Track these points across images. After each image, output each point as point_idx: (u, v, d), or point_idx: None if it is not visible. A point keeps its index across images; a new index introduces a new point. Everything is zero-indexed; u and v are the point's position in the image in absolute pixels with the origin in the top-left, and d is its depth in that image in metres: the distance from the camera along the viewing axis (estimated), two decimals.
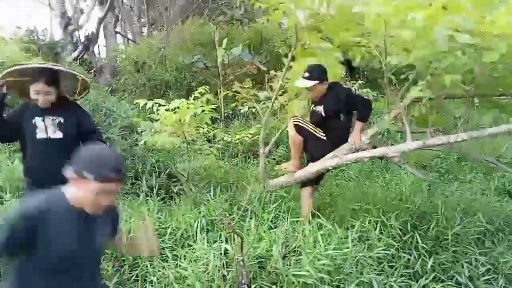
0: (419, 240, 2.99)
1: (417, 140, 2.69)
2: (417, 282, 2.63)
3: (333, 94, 3.15)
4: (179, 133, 3.19)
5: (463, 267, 2.92)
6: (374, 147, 3.11)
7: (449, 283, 2.73)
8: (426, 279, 2.68)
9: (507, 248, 3.22)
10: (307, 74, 3.10)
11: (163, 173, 3.91)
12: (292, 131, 3.19)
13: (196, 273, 2.27)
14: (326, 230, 2.60)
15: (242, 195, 3.31)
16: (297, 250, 2.38)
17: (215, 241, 2.61)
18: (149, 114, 3.37)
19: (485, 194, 4.45)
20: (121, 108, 5.19)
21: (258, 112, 4.29)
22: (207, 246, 2.46)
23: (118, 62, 8.82)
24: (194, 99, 3.13)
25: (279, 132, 3.48)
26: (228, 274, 2.23)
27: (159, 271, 2.45)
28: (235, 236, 2.20)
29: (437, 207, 3.47)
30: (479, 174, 5.43)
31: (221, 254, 2.41)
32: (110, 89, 7.24)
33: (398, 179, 4.46)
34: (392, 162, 3.07)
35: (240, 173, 3.88)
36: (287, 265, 2.24)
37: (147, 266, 2.51)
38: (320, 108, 3.18)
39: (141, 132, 4.00)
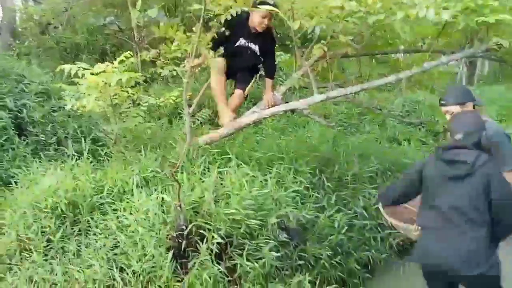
0: (325, 181, 3.58)
1: (322, 93, 3.18)
2: (323, 213, 3.21)
3: (268, 37, 3.46)
4: (105, 97, 3.29)
5: (359, 200, 3.60)
6: (286, 102, 3.57)
7: (348, 212, 3.37)
8: (330, 211, 3.28)
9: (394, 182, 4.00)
10: None
11: (87, 138, 3.96)
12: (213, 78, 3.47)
13: (137, 221, 2.55)
14: (249, 176, 3.00)
15: (170, 153, 3.55)
16: (226, 194, 2.76)
17: (151, 194, 2.87)
18: (68, 78, 3.38)
19: (378, 142, 5.28)
20: (32, 73, 4.96)
21: (178, 75, 4.44)
22: (146, 197, 2.72)
23: (17, 22, 8.09)
24: (119, 62, 3.24)
25: (200, 93, 3.75)
26: (168, 218, 2.54)
27: (100, 223, 2.67)
28: (175, 183, 2.50)
29: (339, 154, 4.10)
30: (375, 126, 6.32)
31: (159, 203, 2.69)
32: (16, 52, 6.71)
33: (309, 134, 5.05)
34: (303, 116, 3.56)
35: (166, 133, 4.10)
36: (218, 206, 2.62)
37: (88, 220, 2.71)
38: (254, 47, 3.47)
39: (60, 98, 3.97)
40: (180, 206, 2.51)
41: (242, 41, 3.41)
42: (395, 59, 3.42)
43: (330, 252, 2.98)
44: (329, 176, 3.71)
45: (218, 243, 2.49)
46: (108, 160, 3.62)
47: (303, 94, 5.54)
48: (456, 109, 2.33)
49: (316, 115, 3.40)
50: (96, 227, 2.67)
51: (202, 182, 2.88)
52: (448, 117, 2.38)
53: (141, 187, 3.03)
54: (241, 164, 3.23)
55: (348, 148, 4.40)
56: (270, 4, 2.95)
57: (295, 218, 2.85)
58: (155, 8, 6.16)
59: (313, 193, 3.41)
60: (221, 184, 2.86)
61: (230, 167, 3.22)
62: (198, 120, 4.79)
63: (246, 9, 3.21)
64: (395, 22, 2.67)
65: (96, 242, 2.59)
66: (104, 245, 2.54)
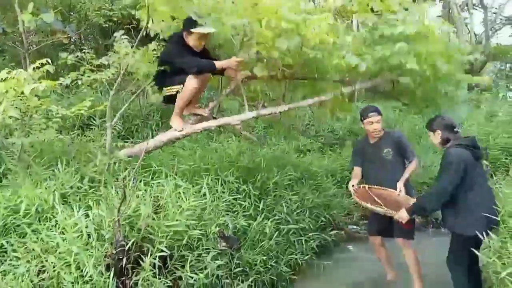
0: (251, 190, 3.72)
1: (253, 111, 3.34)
2: (255, 221, 3.33)
3: (206, 54, 3.39)
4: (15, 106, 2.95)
5: (282, 206, 3.81)
6: (214, 118, 3.63)
7: (276, 218, 3.56)
8: (259, 218, 3.43)
9: (308, 189, 4.33)
10: None
11: None
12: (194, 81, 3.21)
13: (68, 240, 2.33)
14: (182, 188, 2.97)
15: (89, 167, 3.31)
16: (164, 206, 2.69)
17: (77, 211, 2.64)
18: None
19: (287, 153, 5.63)
20: None
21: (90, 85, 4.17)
22: (73, 214, 2.50)
23: None
24: (33, 70, 2.94)
25: (126, 105, 3.59)
26: (106, 235, 2.38)
27: (19, 247, 2.37)
28: (101, 198, 2.36)
29: (259, 164, 4.29)
30: (281, 138, 6.73)
31: (91, 220, 2.50)
32: None
33: (225, 146, 5.15)
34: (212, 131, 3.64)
35: (81, 146, 3.80)
36: (158, 219, 2.55)
37: (2, 245, 2.38)
38: None
39: None
40: (118, 221, 2.38)
41: None
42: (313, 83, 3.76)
43: (263, 258, 3.11)
44: (253, 186, 3.85)
45: (160, 256, 2.42)
46: (7, 177, 3.22)
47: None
48: (378, 118, 3.25)
49: (247, 132, 3.54)
50: (14, 251, 2.36)
51: (135, 195, 2.76)
52: (374, 125, 3.26)
53: (62, 204, 2.77)
54: (171, 176, 3.18)
55: (265, 159, 4.61)
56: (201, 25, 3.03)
57: (232, 227, 2.91)
58: (50, 13, 5.73)
59: (242, 202, 3.51)
60: (157, 196, 2.78)
61: (159, 179, 3.15)
62: (112, 132, 4.54)
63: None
64: (329, 59, 3.03)
65: (16, 268, 2.29)
66: (28, 271, 2.26)
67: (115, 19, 7.36)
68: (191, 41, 3.16)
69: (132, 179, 2.77)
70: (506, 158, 6.02)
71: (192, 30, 3.07)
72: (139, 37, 3.22)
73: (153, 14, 3.12)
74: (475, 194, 2.62)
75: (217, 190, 3.45)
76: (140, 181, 3.12)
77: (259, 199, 3.75)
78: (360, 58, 3.01)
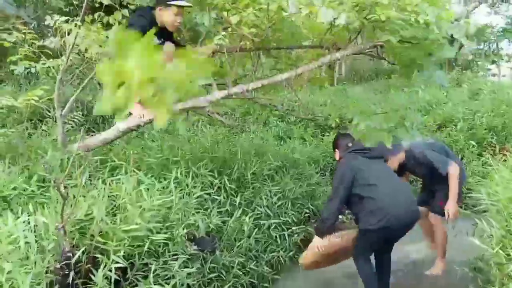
0: (227, 183, 3.35)
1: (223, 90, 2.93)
2: (231, 217, 2.97)
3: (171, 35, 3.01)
4: None
5: (261, 199, 3.46)
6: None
7: (255, 213, 3.20)
8: (236, 214, 3.07)
9: (289, 178, 3.99)
10: None
11: None
12: None
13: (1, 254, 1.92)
14: (145, 184, 2.59)
15: (39, 164, 2.89)
16: (122, 207, 2.30)
17: (18, 217, 2.23)
18: None
19: (266, 140, 5.28)
20: None
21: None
22: (12, 222, 2.09)
23: None
24: None
25: (77, 91, 3.15)
26: (48, 245, 1.97)
27: None
28: (49, 200, 1.95)
29: (236, 154, 3.92)
30: (260, 125, 6.37)
31: (30, 228, 2.09)
32: None
33: (199, 135, 4.76)
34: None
35: (30, 140, 3.35)
36: (114, 223, 2.16)
37: None
38: None
39: None
40: (63, 227, 1.98)
41: (156, 42, 2.90)
42: (287, 55, 3.37)
43: (241, 259, 2.76)
44: (229, 178, 3.49)
45: (118, 267, 2.04)
46: None
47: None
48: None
49: (216, 114, 3.15)
50: None
51: (90, 196, 2.36)
52: None
53: (2, 210, 2.35)
54: (133, 171, 2.78)
55: (242, 147, 4.25)
56: None
57: (204, 227, 2.55)
58: None
59: (216, 197, 3.15)
60: (114, 196, 2.38)
61: (119, 175, 2.75)
62: (69, 124, 4.09)
63: None
64: (297, 17, 2.60)
65: None
66: None
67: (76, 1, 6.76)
68: (165, 16, 2.71)
69: (83, 176, 2.36)
70: (493, 137, 5.82)
71: (171, 2, 2.65)
72: (84, 6, 2.78)
73: None
74: (371, 192, 2.71)
75: (187, 185, 3.07)
76: (97, 179, 2.73)
77: (235, 192, 3.39)
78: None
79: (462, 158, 5.59)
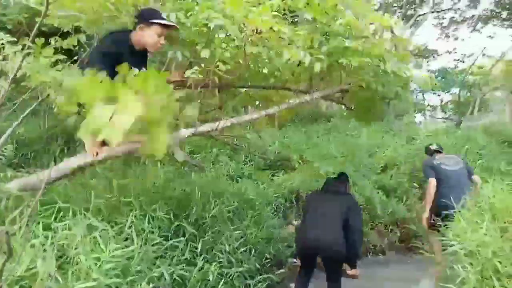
0: (187, 227, 3.04)
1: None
2: (193, 265, 2.66)
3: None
4: None
5: (223, 244, 3.19)
6: None
7: (219, 260, 2.91)
8: (199, 261, 2.76)
9: (250, 221, 3.76)
10: None
11: None
12: None
13: None
14: (99, 231, 2.22)
15: None
16: (74, 258, 1.92)
17: None
18: None
19: (219, 179, 5.03)
20: None
21: None
22: None
23: None
24: None
25: (13, 125, 2.72)
26: None
27: None
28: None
29: (190, 194, 3.63)
30: (209, 163, 6.12)
31: None
32: None
33: (147, 172, 4.39)
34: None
35: None
36: (65, 280, 1.77)
37: None
38: None
39: None
40: None
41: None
42: (257, 94, 3.27)
43: None
44: (187, 221, 3.19)
45: None
46: None
47: None
48: None
49: (181, 154, 2.87)
50: None
51: (30, 246, 1.94)
52: None
53: None
54: (81, 214, 2.40)
55: (198, 187, 3.97)
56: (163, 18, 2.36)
57: (169, 279, 2.22)
58: None
59: (176, 243, 2.82)
60: (63, 244, 1.99)
61: (65, 219, 2.35)
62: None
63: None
64: (272, 57, 2.53)
65: None
66: None
67: (10, 26, 6.17)
68: (146, 36, 2.42)
69: (26, 222, 1.95)
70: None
71: (154, 21, 2.37)
72: (33, 32, 2.44)
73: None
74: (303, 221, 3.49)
75: (143, 229, 2.72)
76: (38, 223, 2.30)
77: (195, 237, 3.08)
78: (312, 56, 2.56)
79: (406, 200, 5.80)
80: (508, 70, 16.39)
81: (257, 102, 3.41)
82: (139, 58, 2.50)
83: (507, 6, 14.75)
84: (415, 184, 5.98)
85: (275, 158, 7.00)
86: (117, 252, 1.99)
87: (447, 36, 17.20)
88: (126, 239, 2.33)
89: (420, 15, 16.18)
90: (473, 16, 16.21)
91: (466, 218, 2.88)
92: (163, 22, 2.33)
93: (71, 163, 2.59)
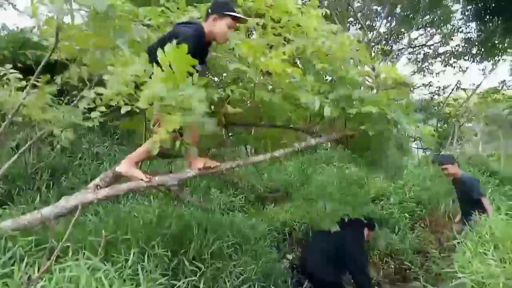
0: (187, 264, 2.92)
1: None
2: None
3: None
4: None
5: (225, 282, 3.06)
6: None
7: None
8: None
9: (249, 257, 3.65)
10: None
11: None
12: None
13: None
14: (103, 272, 2.09)
15: None
16: None
17: None
18: None
19: (212, 212, 4.91)
20: None
21: None
22: None
23: None
24: None
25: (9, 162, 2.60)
26: None
27: None
28: None
29: (188, 228, 3.51)
30: (200, 196, 6.00)
31: None
32: None
33: (139, 207, 4.25)
34: None
35: None
36: None
37: None
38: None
39: None
40: None
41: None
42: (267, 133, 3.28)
43: None
44: (186, 257, 3.06)
45: None
46: None
47: None
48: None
49: (187, 194, 2.81)
50: None
51: None
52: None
53: None
54: (84, 253, 2.27)
55: (194, 222, 3.85)
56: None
57: None
58: None
59: (174, 282, 2.69)
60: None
61: (62, 260, 2.21)
62: None
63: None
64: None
65: None
66: None
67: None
68: (218, 26, 2.41)
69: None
70: (421, 210, 6.18)
71: (228, 13, 2.38)
72: (40, 66, 2.38)
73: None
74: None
75: (143, 267, 2.59)
76: (31, 265, 2.16)
77: (195, 275, 2.95)
78: (321, 101, 2.60)
79: (398, 231, 5.79)
80: (480, 103, 17.12)
81: (262, 142, 3.40)
82: (206, 50, 2.49)
83: (476, 43, 15.56)
84: (406, 214, 6.00)
85: (265, 190, 6.94)
86: None
87: (423, 70, 17.91)
88: (131, 279, 2.20)
89: (398, 50, 16.88)
90: (445, 51, 17.00)
91: (469, 249, 2.88)
92: (234, 14, 2.35)
93: (71, 200, 2.48)
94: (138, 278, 2.40)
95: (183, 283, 2.78)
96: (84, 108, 2.55)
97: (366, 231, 4.18)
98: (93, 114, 2.40)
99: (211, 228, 3.77)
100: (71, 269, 2.02)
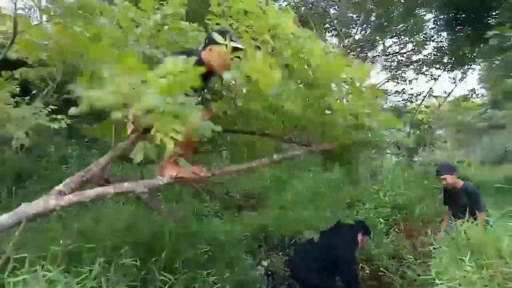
0: (157, 274, 2.77)
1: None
2: None
3: None
4: None
5: None
6: (107, 181, 2.68)
7: None
8: None
9: (224, 265, 3.52)
10: None
11: None
12: None
13: None
14: (63, 285, 1.92)
15: None
16: None
17: None
18: None
19: (187, 220, 4.75)
20: None
21: None
22: None
23: None
24: None
25: None
26: None
27: None
28: None
29: (159, 237, 3.36)
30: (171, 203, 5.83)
31: None
32: None
33: (112, 214, 4.05)
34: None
35: None
36: None
37: None
38: None
39: None
40: None
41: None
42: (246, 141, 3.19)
43: None
44: (156, 267, 2.91)
45: None
46: None
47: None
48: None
49: (158, 202, 2.65)
50: None
51: None
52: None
53: None
54: (43, 264, 2.09)
55: (163, 229, 3.69)
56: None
57: None
58: None
59: None
60: None
61: (18, 272, 2.03)
62: None
63: None
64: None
65: None
66: None
67: None
68: (215, 56, 2.33)
69: None
70: (396, 216, 6.20)
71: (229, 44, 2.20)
72: None
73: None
74: None
75: (108, 278, 2.42)
76: None
77: (165, 285, 2.80)
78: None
79: (374, 236, 5.77)
80: (451, 110, 17.62)
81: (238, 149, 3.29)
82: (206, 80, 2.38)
83: (447, 52, 16.02)
84: (381, 219, 6.01)
85: (240, 197, 6.83)
86: None
87: (396, 78, 18.28)
88: None
89: (373, 58, 17.16)
90: (418, 60, 17.42)
91: (446, 255, 2.86)
92: (232, 44, 2.21)
93: (32, 207, 2.29)
94: None
95: None
96: (50, 109, 2.38)
97: (360, 236, 4.07)
98: (60, 116, 2.24)
99: (184, 235, 3.62)
100: (27, 282, 1.84)
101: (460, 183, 4.49)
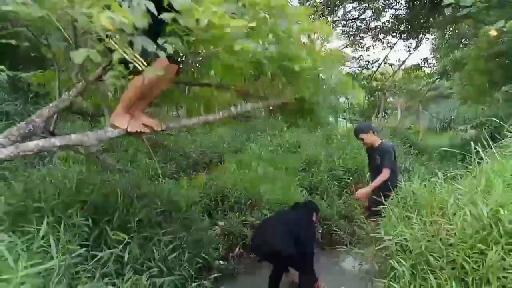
0: (110, 234, 2.69)
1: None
2: (122, 278, 2.33)
3: None
4: None
5: (153, 251, 2.89)
6: (52, 133, 2.50)
7: (148, 269, 2.61)
8: (127, 273, 2.44)
9: (179, 225, 3.49)
10: None
11: None
12: None
13: None
14: (6, 244, 1.80)
15: None
16: None
17: None
18: None
19: (140, 179, 4.63)
20: None
21: None
22: None
23: None
24: None
25: None
26: None
27: None
28: None
29: (112, 196, 3.25)
30: (127, 162, 5.65)
31: None
32: None
33: (54, 172, 3.84)
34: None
35: None
36: None
37: None
38: None
39: None
40: None
41: None
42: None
43: None
44: (110, 226, 2.82)
45: None
46: None
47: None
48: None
49: (107, 157, 2.51)
50: None
51: None
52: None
53: None
54: None
55: (119, 188, 3.57)
56: None
57: None
58: None
59: (96, 252, 2.46)
60: None
61: None
62: None
63: None
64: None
65: None
66: None
67: None
68: None
69: None
70: (349, 178, 6.43)
71: None
72: None
73: None
74: None
75: (58, 239, 2.32)
76: None
77: (119, 244, 2.73)
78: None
79: (327, 197, 5.98)
80: (405, 78, 18.17)
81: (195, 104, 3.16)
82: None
83: (404, 21, 16.28)
84: (334, 182, 6.20)
85: (197, 158, 6.75)
86: (32, 269, 1.62)
87: (354, 44, 18.44)
88: (44, 251, 1.94)
89: (333, 22, 17.11)
90: (376, 27, 17.60)
91: (395, 214, 2.99)
92: None
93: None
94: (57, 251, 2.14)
95: (106, 253, 2.57)
96: None
97: (314, 216, 4.03)
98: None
99: (138, 196, 3.53)
100: None
101: (378, 141, 4.27)
